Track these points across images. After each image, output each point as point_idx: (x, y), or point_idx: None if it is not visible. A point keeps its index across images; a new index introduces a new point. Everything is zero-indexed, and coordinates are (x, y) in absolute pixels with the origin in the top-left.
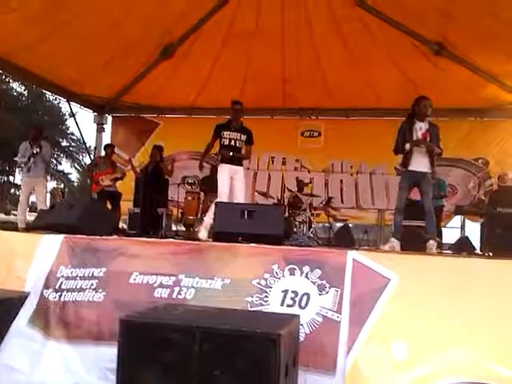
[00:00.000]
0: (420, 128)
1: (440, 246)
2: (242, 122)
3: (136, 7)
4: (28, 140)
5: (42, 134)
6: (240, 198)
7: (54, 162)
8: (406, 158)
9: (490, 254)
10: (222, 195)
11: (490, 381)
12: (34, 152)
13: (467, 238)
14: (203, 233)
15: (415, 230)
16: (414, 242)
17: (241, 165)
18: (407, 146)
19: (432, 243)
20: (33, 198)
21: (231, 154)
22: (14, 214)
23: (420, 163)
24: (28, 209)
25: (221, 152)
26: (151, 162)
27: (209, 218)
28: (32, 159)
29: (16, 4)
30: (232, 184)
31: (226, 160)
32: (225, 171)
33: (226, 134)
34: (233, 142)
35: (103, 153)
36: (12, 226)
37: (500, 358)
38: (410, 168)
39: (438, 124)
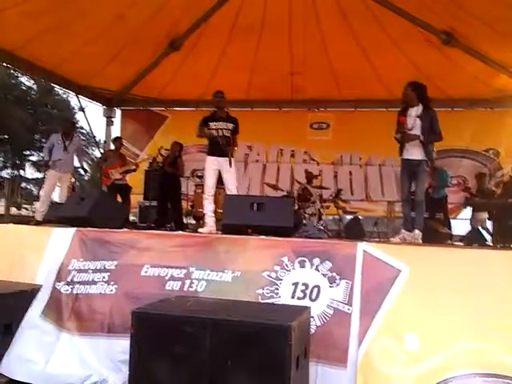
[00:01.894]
0: (410, 114)
1: (450, 236)
2: (227, 111)
3: (140, 0)
4: (60, 133)
5: (75, 128)
6: (233, 189)
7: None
8: (400, 146)
9: (501, 245)
10: (207, 189)
11: (502, 371)
12: (65, 145)
13: (478, 229)
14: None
15: (426, 222)
16: (425, 234)
17: (227, 156)
18: (396, 135)
19: (417, 233)
20: None
21: (220, 143)
22: (26, 208)
23: (412, 151)
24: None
25: (208, 144)
26: (169, 156)
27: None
28: (62, 152)
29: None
30: (223, 176)
31: (212, 152)
32: (209, 164)
33: (212, 125)
34: (220, 132)
35: (112, 146)
36: (23, 220)
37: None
38: (404, 156)
39: (450, 115)
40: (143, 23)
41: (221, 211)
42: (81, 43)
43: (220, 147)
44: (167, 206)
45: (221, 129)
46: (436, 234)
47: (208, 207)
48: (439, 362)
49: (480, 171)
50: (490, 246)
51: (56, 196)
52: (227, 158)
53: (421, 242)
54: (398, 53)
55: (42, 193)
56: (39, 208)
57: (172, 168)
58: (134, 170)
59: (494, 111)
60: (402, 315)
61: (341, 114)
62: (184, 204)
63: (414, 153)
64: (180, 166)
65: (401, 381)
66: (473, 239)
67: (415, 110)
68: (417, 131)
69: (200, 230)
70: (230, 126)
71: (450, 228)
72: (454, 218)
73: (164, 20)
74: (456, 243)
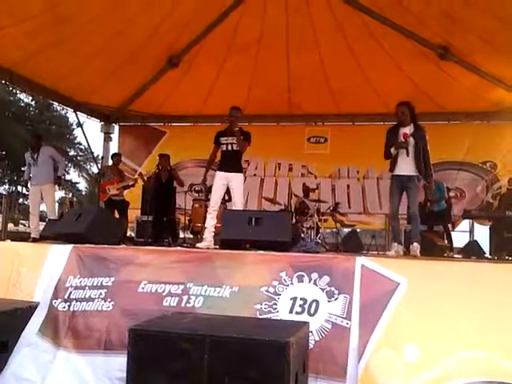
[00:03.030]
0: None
1: (451, 249)
2: (240, 127)
3: (139, 18)
4: (29, 150)
5: (41, 140)
6: (239, 204)
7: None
8: (392, 162)
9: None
10: (212, 203)
11: (503, 378)
12: (34, 159)
13: (476, 241)
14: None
15: (424, 234)
16: (423, 247)
17: (237, 171)
18: (392, 149)
19: (415, 245)
20: (42, 208)
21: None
22: (23, 224)
23: (405, 167)
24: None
25: (220, 159)
26: (163, 170)
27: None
28: (33, 167)
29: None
30: (231, 192)
31: (221, 168)
32: (217, 179)
33: (223, 139)
34: (230, 147)
35: (110, 162)
36: (21, 236)
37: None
38: (396, 172)
39: (446, 128)
40: (141, 40)
41: (219, 225)
42: (79, 60)
43: (228, 162)
44: (162, 219)
45: (230, 143)
46: (434, 247)
47: (210, 222)
48: (439, 372)
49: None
50: (487, 258)
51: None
52: (235, 174)
53: (419, 254)
54: (395, 67)
55: (30, 210)
56: (31, 225)
57: (169, 182)
58: (133, 186)
59: (490, 124)
60: (401, 327)
61: (338, 128)
62: (182, 218)
63: (405, 168)
64: (177, 177)
65: None
66: (470, 251)
67: (408, 129)
68: (410, 148)
69: (198, 244)
70: (234, 139)
71: (451, 240)
72: (452, 230)
73: (162, 37)
74: (454, 256)
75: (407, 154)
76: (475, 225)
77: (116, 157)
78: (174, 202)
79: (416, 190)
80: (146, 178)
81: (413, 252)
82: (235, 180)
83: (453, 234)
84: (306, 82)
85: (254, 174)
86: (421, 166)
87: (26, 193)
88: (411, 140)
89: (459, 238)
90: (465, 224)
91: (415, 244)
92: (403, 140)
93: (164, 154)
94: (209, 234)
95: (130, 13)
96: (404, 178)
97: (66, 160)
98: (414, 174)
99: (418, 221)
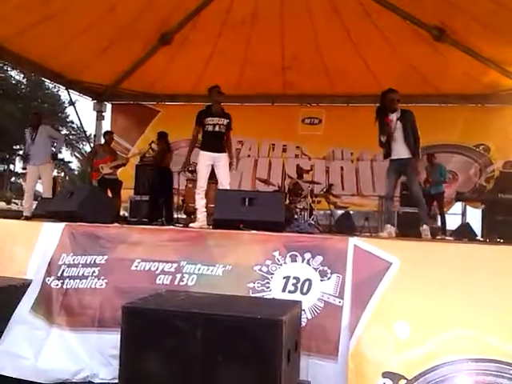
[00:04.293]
0: (392, 118)
1: (444, 232)
2: (222, 107)
3: None
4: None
5: (41, 119)
6: (225, 184)
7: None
8: (386, 149)
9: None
10: (200, 183)
11: (495, 356)
12: (31, 138)
13: (468, 224)
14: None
15: (416, 217)
16: (415, 229)
17: (223, 151)
18: (382, 138)
19: (425, 227)
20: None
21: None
22: (15, 203)
23: (401, 151)
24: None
25: (203, 139)
26: (160, 150)
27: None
28: (31, 146)
29: None
30: (216, 171)
31: (207, 147)
32: (204, 159)
33: (209, 120)
34: (217, 128)
35: (103, 140)
36: (13, 215)
37: (502, 334)
38: (393, 157)
39: (441, 110)
40: (134, 16)
41: (212, 206)
42: (71, 36)
43: (215, 143)
44: (159, 201)
45: (216, 124)
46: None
47: (200, 202)
48: (431, 348)
49: None
50: (479, 240)
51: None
52: (221, 154)
53: (429, 236)
54: (390, 48)
55: (25, 188)
56: (24, 204)
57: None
58: (124, 165)
59: (484, 107)
60: (392, 305)
61: (333, 109)
62: (175, 199)
63: (402, 152)
64: (168, 157)
65: (392, 368)
66: (462, 234)
67: (396, 114)
68: (399, 132)
69: (191, 224)
70: (225, 121)
71: (444, 222)
72: (446, 213)
73: (155, 13)
74: (447, 238)
75: (396, 139)
76: (467, 207)
77: (108, 135)
78: (172, 184)
79: (415, 173)
80: (140, 158)
81: (424, 235)
82: (221, 160)
83: (446, 216)
84: (301, 61)
85: (248, 155)
86: (413, 148)
87: (19, 171)
88: (399, 124)
89: (452, 221)
90: (457, 206)
91: (425, 226)
92: (389, 126)
93: (163, 132)
94: (201, 214)
95: None
96: (402, 161)
97: None
98: (410, 157)
99: (423, 202)
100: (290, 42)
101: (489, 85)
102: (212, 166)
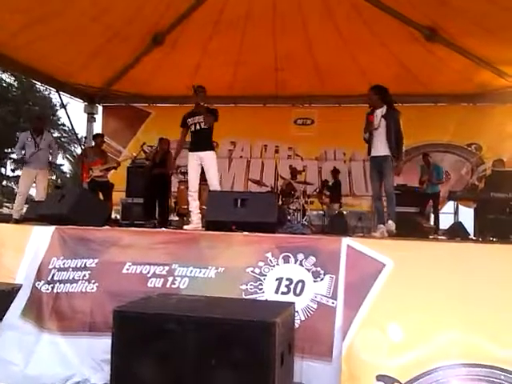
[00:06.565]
0: (377, 115)
1: (437, 231)
2: (205, 106)
3: None
4: (29, 131)
5: (44, 124)
6: (215, 185)
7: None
8: (368, 146)
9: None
10: (191, 185)
11: (487, 361)
12: (35, 142)
13: (461, 223)
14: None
15: (411, 217)
16: (409, 228)
17: (208, 149)
18: (365, 135)
19: (391, 223)
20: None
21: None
22: (7, 207)
23: (379, 148)
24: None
25: (190, 140)
26: (159, 153)
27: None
28: (33, 149)
29: None
30: (204, 171)
31: (192, 148)
32: (191, 160)
33: (190, 120)
34: (198, 126)
35: (93, 143)
36: (3, 218)
37: (495, 339)
38: (372, 154)
39: (432, 110)
40: (125, 18)
41: (205, 207)
42: (62, 39)
43: (198, 142)
44: (155, 204)
45: (197, 122)
46: (420, 229)
47: (193, 204)
48: (424, 352)
49: None
50: (472, 239)
51: (34, 193)
52: (207, 152)
53: (394, 230)
54: (382, 48)
55: (18, 191)
56: (16, 207)
57: (161, 167)
58: (115, 168)
59: (476, 106)
60: (386, 307)
61: (325, 110)
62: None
63: (380, 149)
64: (170, 162)
65: (386, 371)
66: (455, 233)
67: (380, 111)
68: (382, 129)
69: (185, 227)
70: (201, 118)
71: (438, 222)
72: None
73: (146, 15)
74: (440, 237)
75: (377, 135)
76: (460, 207)
77: (98, 138)
78: (169, 187)
79: (391, 170)
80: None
81: (388, 228)
82: (207, 158)
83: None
84: (293, 62)
85: (241, 156)
86: (394, 146)
87: (10, 175)
88: (383, 121)
89: (444, 220)
90: (450, 206)
91: (390, 222)
92: (371, 123)
93: (165, 138)
94: (195, 216)
95: None
96: (379, 158)
97: None
98: (388, 154)
99: (394, 200)
100: (282, 43)
101: (481, 84)
102: (202, 166)
